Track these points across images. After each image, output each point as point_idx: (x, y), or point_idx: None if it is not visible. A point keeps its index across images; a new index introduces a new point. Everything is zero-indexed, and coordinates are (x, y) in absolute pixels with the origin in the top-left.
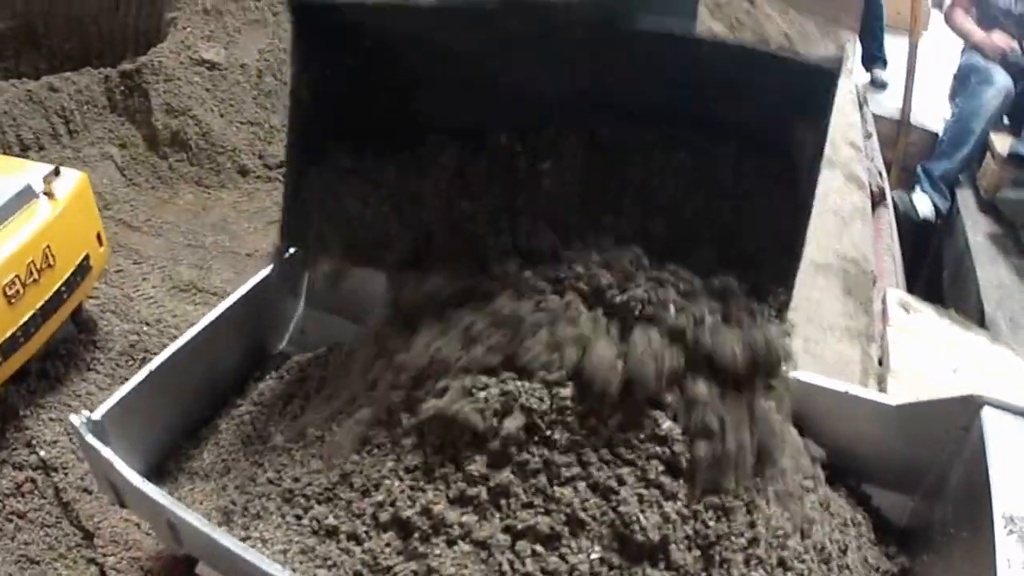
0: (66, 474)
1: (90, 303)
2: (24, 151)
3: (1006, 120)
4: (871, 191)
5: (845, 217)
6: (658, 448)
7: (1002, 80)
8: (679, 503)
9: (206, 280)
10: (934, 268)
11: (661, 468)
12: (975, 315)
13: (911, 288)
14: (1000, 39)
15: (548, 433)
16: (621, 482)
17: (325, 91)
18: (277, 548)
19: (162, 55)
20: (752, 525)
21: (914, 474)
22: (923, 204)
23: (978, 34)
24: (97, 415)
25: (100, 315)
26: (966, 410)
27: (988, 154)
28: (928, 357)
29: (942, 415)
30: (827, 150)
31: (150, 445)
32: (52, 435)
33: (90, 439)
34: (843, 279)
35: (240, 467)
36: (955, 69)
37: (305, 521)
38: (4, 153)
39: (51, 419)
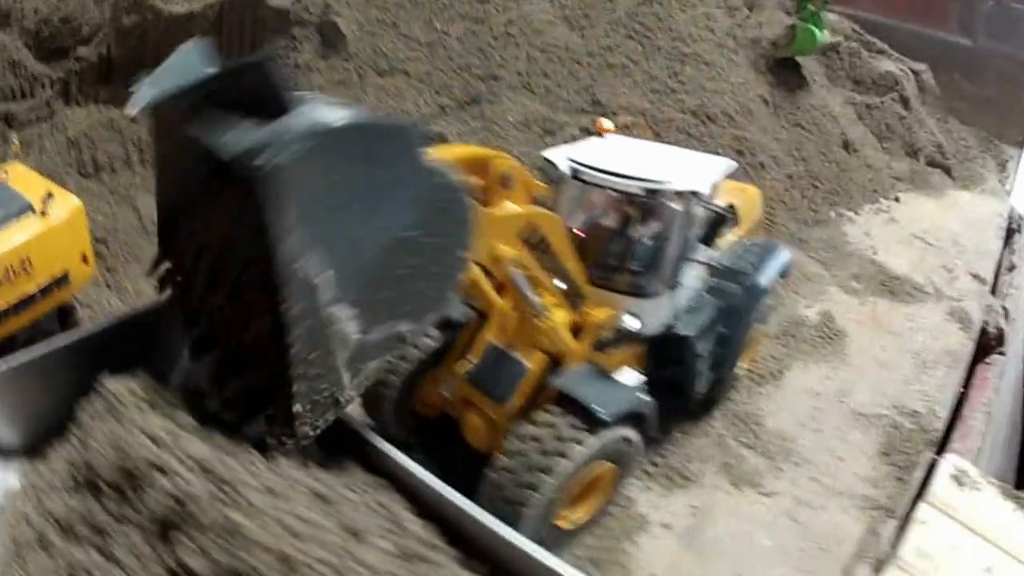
0: None
1: (86, 312)
2: (97, 171)
3: None
4: (985, 332)
5: (927, 361)
6: None
7: None
8: None
9: None
10: None
11: None
12: None
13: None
14: None
15: None
16: None
17: None
18: None
19: None
20: None
21: None
22: None
23: None
24: None
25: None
26: None
27: None
28: (959, 548)
29: None
30: (937, 280)
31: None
32: None
33: None
34: (886, 437)
35: None
36: None
37: None
38: (79, 172)
39: None
